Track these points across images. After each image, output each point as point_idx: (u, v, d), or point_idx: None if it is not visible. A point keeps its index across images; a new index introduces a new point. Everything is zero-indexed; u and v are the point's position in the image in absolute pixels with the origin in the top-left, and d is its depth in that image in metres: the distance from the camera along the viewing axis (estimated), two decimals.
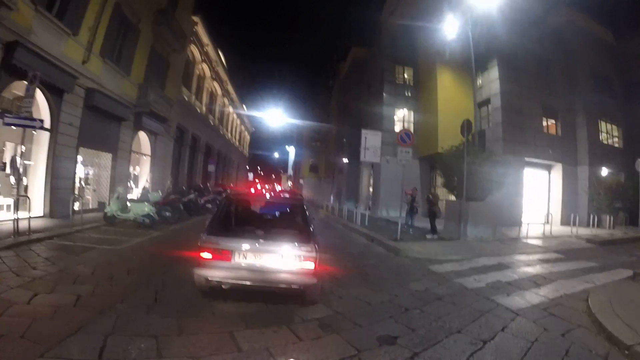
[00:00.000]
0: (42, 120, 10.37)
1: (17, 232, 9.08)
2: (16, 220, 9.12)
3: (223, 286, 5.55)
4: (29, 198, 10.38)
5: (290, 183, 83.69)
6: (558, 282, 7.99)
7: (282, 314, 5.29)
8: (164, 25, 19.37)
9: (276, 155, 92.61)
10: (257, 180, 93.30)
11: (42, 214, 12.72)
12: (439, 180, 26.27)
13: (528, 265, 9.88)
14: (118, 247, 9.28)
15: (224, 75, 37.40)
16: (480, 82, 23.37)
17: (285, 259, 5.53)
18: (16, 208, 9.45)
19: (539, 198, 23.87)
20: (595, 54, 25.87)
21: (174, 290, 6.05)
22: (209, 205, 20.52)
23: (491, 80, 22.82)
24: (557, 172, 24.06)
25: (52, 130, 12.96)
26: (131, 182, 19.60)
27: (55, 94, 12.80)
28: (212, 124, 34.89)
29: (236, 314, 5.16)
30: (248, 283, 5.46)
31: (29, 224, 9.45)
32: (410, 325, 5.08)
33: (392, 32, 29.53)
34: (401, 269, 9.06)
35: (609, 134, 25.98)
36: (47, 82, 11.80)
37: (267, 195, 8.75)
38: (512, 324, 5.36)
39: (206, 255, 5.48)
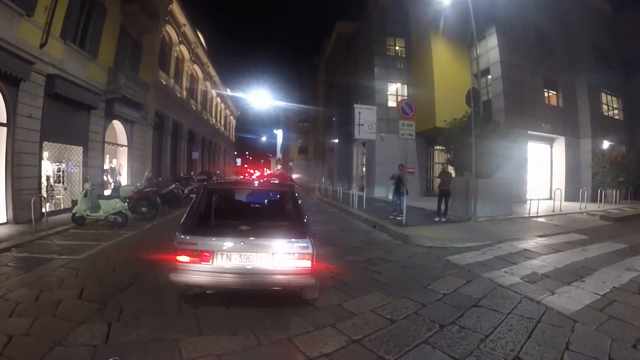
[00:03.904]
0: None
1: None
2: None
3: (208, 291, 4.97)
4: None
5: (279, 166, 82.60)
6: (599, 271, 6.91)
7: (280, 351, 4.00)
8: (133, 3, 17.66)
9: (264, 139, 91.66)
10: (245, 166, 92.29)
11: (5, 220, 11.20)
12: (437, 156, 25.42)
13: (557, 251, 8.75)
14: (79, 256, 7.85)
15: (204, 58, 35.67)
16: (478, 51, 22.14)
17: (277, 258, 4.79)
18: None
19: (542, 173, 23.02)
20: (594, 26, 25.07)
21: (134, 318, 4.69)
22: (194, 196, 19.21)
23: (489, 49, 21.56)
24: (559, 146, 23.27)
25: (9, 125, 11.31)
26: (108, 176, 18.12)
27: (9, 84, 11.12)
28: (194, 109, 33.27)
29: (215, 356, 3.81)
30: (235, 287, 4.79)
31: None
32: (453, 354, 3.83)
33: (382, 1, 28.11)
34: (416, 263, 7.81)
35: (610, 105, 25.37)
36: None
37: (255, 183, 7.73)
38: (574, 336, 4.25)
39: (183, 258, 4.75)
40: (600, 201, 18.68)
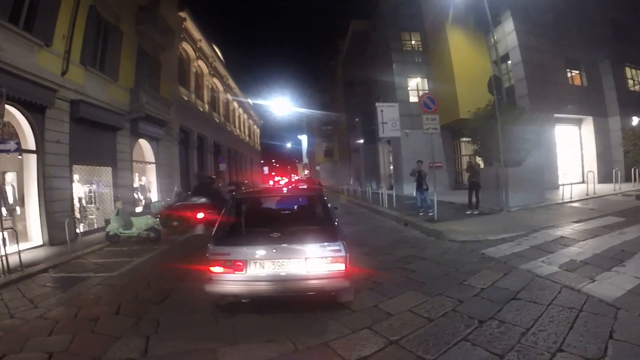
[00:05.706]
0: (17, 142, 9.05)
1: (7, 269, 7.92)
2: (5, 257, 7.97)
3: (243, 300, 5.05)
4: (15, 230, 9.22)
5: (307, 171, 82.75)
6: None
7: (317, 356, 3.94)
8: (147, 23, 17.99)
9: (289, 145, 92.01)
10: (273, 173, 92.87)
11: (41, 243, 11.51)
12: (464, 148, 25.01)
13: (594, 236, 8.43)
14: (114, 273, 8.02)
15: (222, 70, 36.06)
16: (495, 37, 21.74)
17: (310, 263, 4.76)
18: (3, 243, 8.26)
19: (572, 156, 22.38)
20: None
21: (171, 330, 4.75)
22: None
23: (507, 34, 21.13)
24: (587, 127, 22.59)
25: (38, 151, 11.69)
26: (138, 193, 18.46)
27: (35, 112, 11.49)
28: (217, 121, 33.64)
29: None
30: (270, 295, 4.84)
31: (20, 258, 8.30)
32: (494, 350, 3.70)
33: None
34: (450, 258, 7.67)
35: (635, 80, 24.29)
36: (22, 99, 10.58)
37: (283, 190, 7.78)
38: (617, 324, 4.06)
39: (216, 269, 4.81)
40: (635, 180, 18.01)
